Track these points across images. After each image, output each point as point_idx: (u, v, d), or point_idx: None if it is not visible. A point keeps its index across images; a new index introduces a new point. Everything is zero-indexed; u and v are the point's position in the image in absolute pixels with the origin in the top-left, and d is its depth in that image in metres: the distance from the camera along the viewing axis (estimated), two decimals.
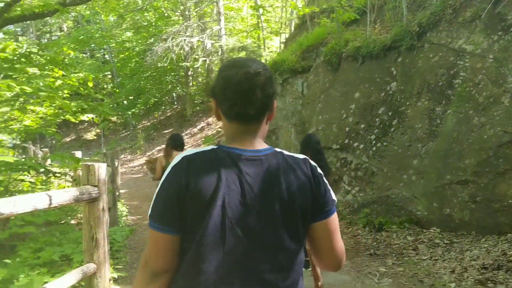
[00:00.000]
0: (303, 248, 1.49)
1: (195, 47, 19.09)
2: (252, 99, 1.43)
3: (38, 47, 14.97)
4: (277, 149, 1.53)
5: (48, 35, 32.82)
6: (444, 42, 7.12)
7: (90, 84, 10.74)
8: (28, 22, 26.09)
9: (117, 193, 8.34)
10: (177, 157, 1.43)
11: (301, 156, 1.56)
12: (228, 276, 1.36)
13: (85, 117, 10.35)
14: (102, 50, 30.99)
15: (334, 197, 1.54)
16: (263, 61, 16.68)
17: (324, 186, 1.50)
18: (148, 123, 26.89)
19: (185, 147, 6.55)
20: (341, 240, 1.54)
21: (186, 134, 21.91)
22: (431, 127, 6.72)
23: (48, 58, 10.50)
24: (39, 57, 10.53)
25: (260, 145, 1.50)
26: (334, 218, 1.52)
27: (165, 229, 1.37)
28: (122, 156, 21.50)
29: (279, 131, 10.87)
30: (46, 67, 10.02)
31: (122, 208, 8.45)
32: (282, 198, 1.41)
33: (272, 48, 20.97)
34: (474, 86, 6.38)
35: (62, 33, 32.14)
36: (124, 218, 7.95)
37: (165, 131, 24.24)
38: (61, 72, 10.45)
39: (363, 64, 8.68)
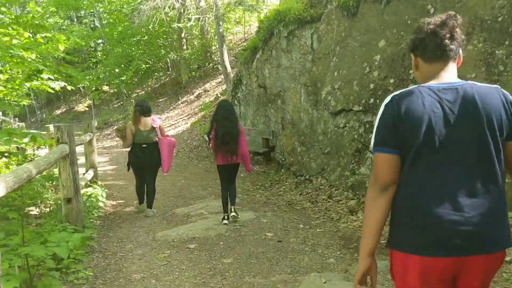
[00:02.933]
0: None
1: (186, 4, 17.21)
2: (451, 36, 1.78)
3: None
4: (470, 82, 1.78)
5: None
6: None
7: (61, 47, 9.02)
8: None
9: (89, 176, 6.81)
10: (387, 97, 1.80)
11: (493, 85, 1.80)
12: (439, 186, 1.69)
13: (56, 85, 8.77)
14: (90, 16, 28.94)
15: None
16: (262, 15, 14.91)
17: None
18: (142, 92, 25.21)
19: (152, 113, 6.51)
20: None
21: (182, 102, 20.34)
22: (490, 76, 5.11)
23: (13, 17, 8.89)
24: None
25: (455, 79, 1.80)
26: None
27: (388, 151, 1.74)
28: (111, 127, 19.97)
29: (285, 93, 9.26)
30: (10, 28, 8.40)
31: (99, 191, 6.95)
32: (480, 119, 1.68)
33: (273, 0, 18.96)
34: None
35: None
36: (99, 204, 6.45)
37: (160, 100, 22.66)
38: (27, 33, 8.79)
39: (388, 5, 6.96)
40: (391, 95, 1.79)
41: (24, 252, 3.12)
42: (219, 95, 17.59)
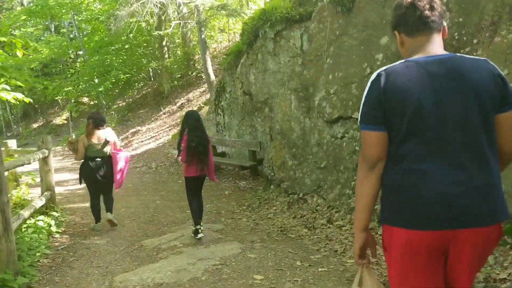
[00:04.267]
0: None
1: (166, 10, 16.21)
2: (431, 7, 1.77)
3: None
4: (458, 54, 1.78)
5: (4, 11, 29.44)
6: None
7: (19, 54, 7.87)
8: None
9: (40, 202, 5.69)
10: (374, 74, 1.77)
11: (482, 58, 1.78)
12: (432, 154, 1.68)
13: (8, 96, 7.64)
14: (67, 24, 27.77)
15: None
16: (245, 19, 13.95)
17: (505, 82, 1.73)
18: (123, 103, 24.08)
19: (105, 125, 6.25)
20: None
21: (164, 113, 19.27)
22: None
23: None
24: None
25: (442, 51, 1.79)
26: None
27: (375, 128, 1.73)
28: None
29: (273, 100, 8.25)
30: None
31: (52, 220, 5.82)
32: (468, 93, 1.67)
33: (258, 3, 17.96)
34: None
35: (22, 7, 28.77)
36: (53, 236, 5.33)
37: (141, 111, 21.57)
38: None
39: None
40: (377, 71, 1.78)
41: None
42: (202, 105, 16.56)
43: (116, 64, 20.80)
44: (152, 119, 19.66)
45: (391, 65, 1.76)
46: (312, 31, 7.52)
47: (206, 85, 17.18)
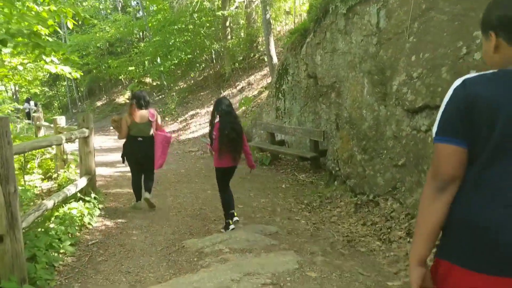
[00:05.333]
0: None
1: None
2: None
3: None
4: None
5: None
6: None
7: (70, 24, 7.32)
8: None
9: (74, 187, 5.09)
10: (458, 80, 1.52)
11: None
12: None
13: (55, 69, 7.15)
14: (134, 4, 27.82)
15: None
16: None
17: None
18: (184, 85, 23.75)
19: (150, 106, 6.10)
20: None
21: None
22: None
23: None
24: None
25: None
26: None
27: (455, 142, 1.46)
28: None
29: (342, 84, 7.25)
30: None
31: (84, 208, 5.21)
32: None
33: None
34: None
35: None
36: (86, 226, 4.72)
37: (201, 93, 21.09)
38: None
39: None
40: (463, 78, 1.52)
41: None
42: (263, 89, 15.74)
43: (178, 44, 20.37)
44: (212, 102, 19.13)
45: (481, 73, 1.52)
46: (392, 5, 6.44)
47: (268, 68, 16.34)
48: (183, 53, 20.28)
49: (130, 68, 23.11)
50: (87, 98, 30.83)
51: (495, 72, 1.48)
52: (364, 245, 4.32)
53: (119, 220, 5.41)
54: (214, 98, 19.63)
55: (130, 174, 8.65)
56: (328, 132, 7.78)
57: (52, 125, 8.79)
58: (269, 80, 16.16)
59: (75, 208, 4.89)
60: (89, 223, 4.89)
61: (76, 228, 4.58)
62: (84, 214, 4.88)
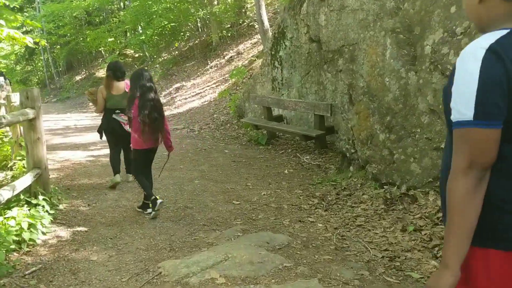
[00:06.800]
0: None
1: None
2: None
3: None
4: None
5: None
6: None
7: None
8: None
9: (18, 186, 3.75)
10: (476, 48, 1.22)
11: None
12: None
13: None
14: None
15: None
16: None
17: None
18: (168, 56, 22.17)
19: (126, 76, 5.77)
20: None
21: (211, 67, 17.25)
22: None
23: None
24: None
25: None
26: None
27: (495, 124, 1.22)
28: None
29: (357, 46, 5.92)
30: None
31: (40, 211, 3.93)
32: None
33: None
34: None
35: None
36: (25, 248, 3.43)
37: (186, 65, 19.65)
38: None
39: None
40: (483, 44, 1.21)
41: None
42: (254, 58, 14.33)
43: (160, 12, 18.73)
44: (198, 73, 17.70)
45: (496, 35, 1.22)
46: None
47: (259, 36, 14.91)
48: (166, 20, 18.66)
49: (109, 39, 21.41)
50: (66, 72, 29.06)
51: (508, 33, 1.21)
52: (414, 267, 3.07)
53: (78, 229, 4.10)
54: (200, 69, 18.22)
55: (103, 159, 7.41)
56: (338, 105, 6.50)
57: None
58: (260, 48, 14.77)
59: (13, 217, 3.58)
60: (30, 239, 3.57)
61: (12, 247, 3.29)
62: (23, 229, 3.54)
